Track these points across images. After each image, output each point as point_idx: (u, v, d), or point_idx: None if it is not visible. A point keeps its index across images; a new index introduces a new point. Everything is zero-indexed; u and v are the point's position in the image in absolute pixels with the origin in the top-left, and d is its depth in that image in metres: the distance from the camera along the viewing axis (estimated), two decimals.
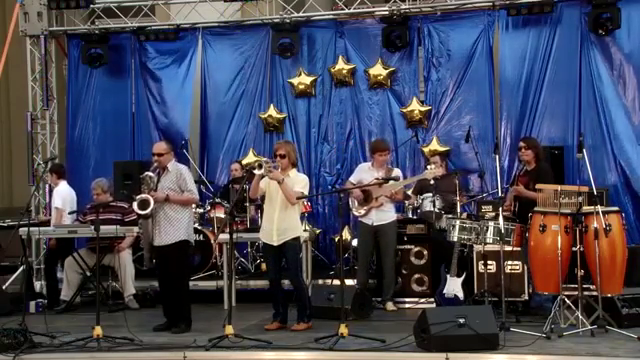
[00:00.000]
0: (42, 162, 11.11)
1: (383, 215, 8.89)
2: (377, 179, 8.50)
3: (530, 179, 8.27)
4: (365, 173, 8.97)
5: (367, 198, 8.74)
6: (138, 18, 11.63)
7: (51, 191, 10.43)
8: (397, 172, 9.00)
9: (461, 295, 8.39)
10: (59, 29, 11.74)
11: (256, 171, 7.63)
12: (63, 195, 9.87)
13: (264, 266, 9.27)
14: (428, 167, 9.07)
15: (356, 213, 9.04)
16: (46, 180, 10.41)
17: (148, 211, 7.74)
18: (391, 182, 8.54)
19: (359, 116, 11.11)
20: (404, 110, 10.91)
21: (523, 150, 8.54)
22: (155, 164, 7.97)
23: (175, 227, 7.85)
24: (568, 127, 10.25)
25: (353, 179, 9.05)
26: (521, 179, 8.43)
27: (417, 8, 11.08)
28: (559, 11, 10.29)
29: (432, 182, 9.22)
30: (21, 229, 9.08)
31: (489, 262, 8.31)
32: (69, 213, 9.80)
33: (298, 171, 8.23)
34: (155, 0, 11.64)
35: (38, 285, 10.53)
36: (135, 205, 7.79)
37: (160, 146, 8.07)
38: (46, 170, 10.00)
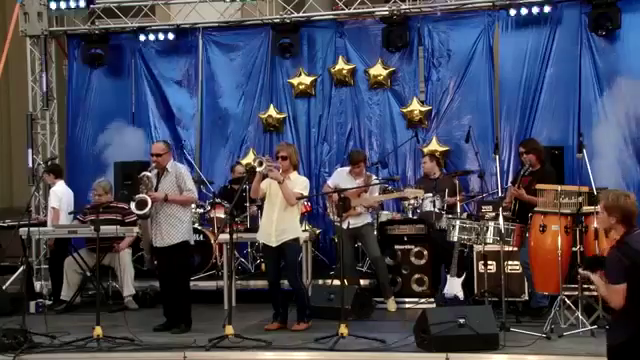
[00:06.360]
0: (42, 162, 11.11)
1: (358, 218, 8.92)
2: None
3: (533, 180, 8.22)
4: (343, 179, 8.96)
5: (345, 208, 8.62)
6: (138, 18, 11.63)
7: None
8: (374, 178, 9.13)
9: (461, 295, 8.38)
10: (59, 29, 11.74)
11: (257, 168, 7.63)
12: (60, 195, 9.85)
13: (264, 266, 9.26)
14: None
15: (332, 217, 9.08)
16: (45, 181, 10.39)
17: (146, 211, 7.73)
18: (370, 195, 8.74)
19: (359, 116, 11.10)
20: (404, 110, 10.90)
21: (524, 155, 8.43)
22: (153, 164, 7.96)
23: (176, 228, 7.84)
24: (568, 127, 10.23)
25: (331, 183, 9.05)
26: (524, 179, 8.37)
27: (417, 8, 11.07)
28: (559, 11, 10.28)
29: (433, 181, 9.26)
30: (21, 229, 9.06)
31: (489, 262, 8.31)
32: (69, 213, 9.80)
33: (298, 172, 8.23)
34: (155, 0, 11.65)
35: (38, 285, 10.52)
36: (133, 205, 7.78)
37: (158, 146, 8.04)
38: (45, 170, 10.00)
